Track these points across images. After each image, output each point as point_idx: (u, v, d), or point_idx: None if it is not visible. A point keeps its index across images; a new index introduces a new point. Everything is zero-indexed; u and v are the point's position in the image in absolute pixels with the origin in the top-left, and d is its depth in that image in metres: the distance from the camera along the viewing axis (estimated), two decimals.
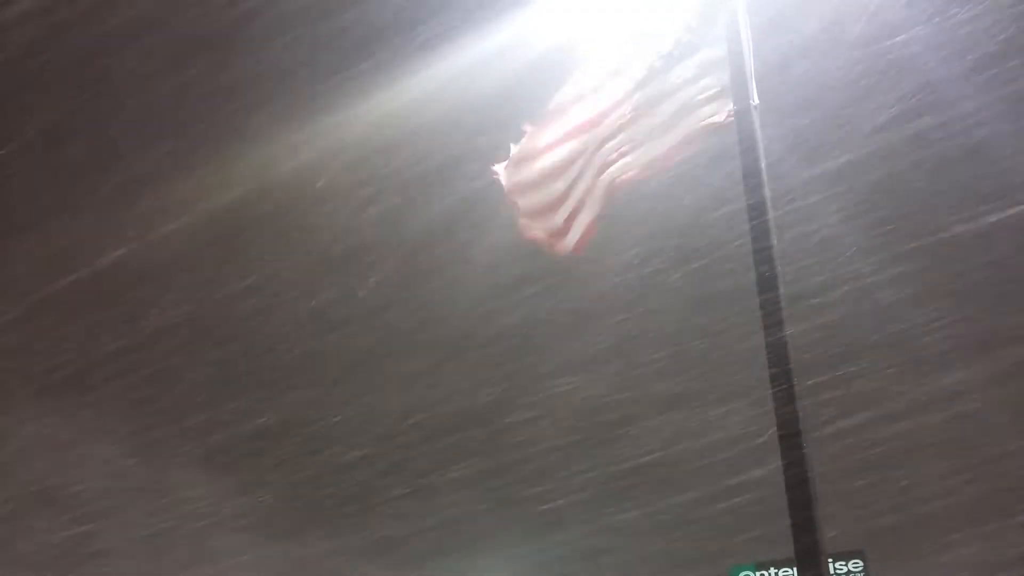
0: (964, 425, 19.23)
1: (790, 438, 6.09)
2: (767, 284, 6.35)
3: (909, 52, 13.65)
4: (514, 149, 8.28)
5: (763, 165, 6.60)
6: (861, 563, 22.95)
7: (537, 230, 8.23)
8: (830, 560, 21.94)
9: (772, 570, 23.75)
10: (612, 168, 7.94)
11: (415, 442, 20.87)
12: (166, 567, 23.54)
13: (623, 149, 7.87)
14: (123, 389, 20.19)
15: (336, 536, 22.70)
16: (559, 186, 8.05)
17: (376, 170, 15.50)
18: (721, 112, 7.40)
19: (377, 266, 17.89)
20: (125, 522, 22.45)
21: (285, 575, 24.19)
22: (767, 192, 6.45)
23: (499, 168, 8.34)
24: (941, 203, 16.13)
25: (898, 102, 14.35)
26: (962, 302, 17.55)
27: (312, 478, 21.46)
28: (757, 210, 6.41)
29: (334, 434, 20.88)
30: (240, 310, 19.02)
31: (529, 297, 17.09)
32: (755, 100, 6.99)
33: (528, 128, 8.26)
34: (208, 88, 15.75)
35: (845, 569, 22.93)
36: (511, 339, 19.03)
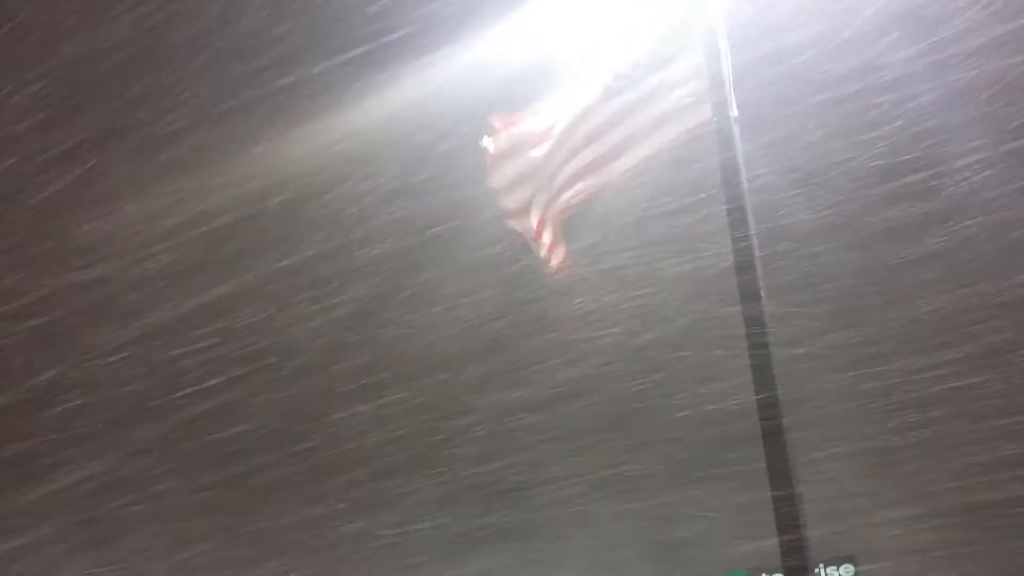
0: None
1: (774, 441, 6.12)
2: (750, 295, 6.40)
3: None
4: (489, 142, 8.32)
5: (743, 176, 6.65)
6: (852, 568, 22.91)
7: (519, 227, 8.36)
8: (821, 565, 21.90)
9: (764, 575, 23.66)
10: (585, 177, 7.95)
11: None
12: None
13: (596, 159, 7.88)
14: None
15: None
16: (527, 191, 8.12)
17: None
18: (698, 122, 7.39)
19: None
20: None
21: None
22: (748, 201, 6.49)
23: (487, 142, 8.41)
24: None
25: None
26: None
27: None
28: (738, 223, 6.45)
29: None
30: None
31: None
32: (734, 112, 7.01)
33: (498, 123, 8.30)
34: None
35: (837, 575, 22.85)
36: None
